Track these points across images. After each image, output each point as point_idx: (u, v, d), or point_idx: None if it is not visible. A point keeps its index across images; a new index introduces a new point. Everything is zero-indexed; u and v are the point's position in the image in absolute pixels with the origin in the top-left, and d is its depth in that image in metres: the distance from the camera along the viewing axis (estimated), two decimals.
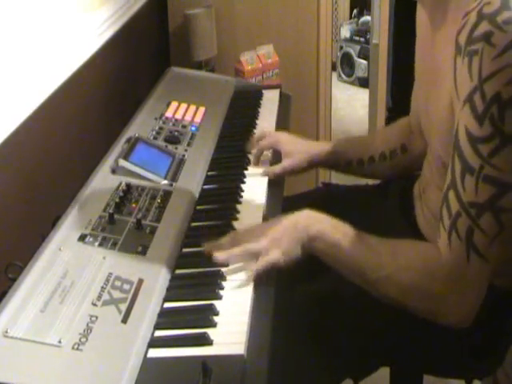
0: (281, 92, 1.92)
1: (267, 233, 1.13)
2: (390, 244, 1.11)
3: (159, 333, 0.98)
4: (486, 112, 0.95)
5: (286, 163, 1.48)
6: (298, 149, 1.49)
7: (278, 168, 1.47)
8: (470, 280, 1.03)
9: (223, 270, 1.10)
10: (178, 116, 1.63)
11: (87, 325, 0.93)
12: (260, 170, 1.47)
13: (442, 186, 1.07)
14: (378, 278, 1.08)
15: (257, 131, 1.67)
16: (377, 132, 1.83)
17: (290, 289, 1.24)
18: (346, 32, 4.43)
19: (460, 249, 1.01)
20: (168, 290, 1.08)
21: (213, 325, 0.98)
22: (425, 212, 1.28)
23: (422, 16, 1.26)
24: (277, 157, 1.51)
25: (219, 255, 1.12)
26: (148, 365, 0.92)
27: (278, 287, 1.11)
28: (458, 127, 1.00)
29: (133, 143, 1.39)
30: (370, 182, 1.60)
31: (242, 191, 1.37)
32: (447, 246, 1.02)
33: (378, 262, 1.08)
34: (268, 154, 1.53)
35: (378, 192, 1.55)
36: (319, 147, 1.52)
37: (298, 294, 1.25)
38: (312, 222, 1.13)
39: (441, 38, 1.13)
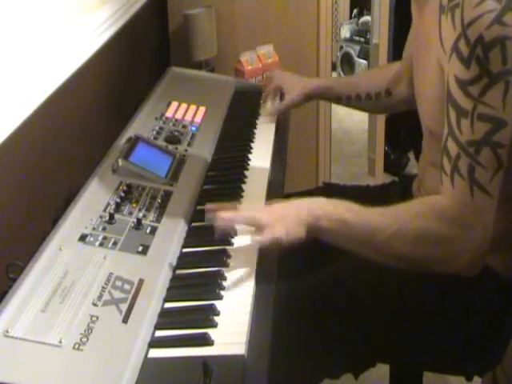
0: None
1: (271, 212, 1.14)
2: (392, 207, 1.14)
3: (160, 333, 0.98)
4: (471, 55, 1.01)
5: (286, 100, 1.72)
6: (296, 85, 1.72)
7: (280, 105, 1.73)
8: (476, 215, 1.06)
9: (224, 269, 1.11)
10: (179, 116, 1.63)
11: (88, 325, 0.93)
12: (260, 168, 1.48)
13: (434, 161, 1.12)
14: (386, 239, 1.10)
15: (257, 131, 1.67)
16: (365, 73, 2.02)
17: (291, 280, 1.24)
18: (346, 32, 4.43)
19: (463, 187, 1.05)
20: (168, 289, 1.08)
21: (213, 325, 0.98)
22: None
23: None
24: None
25: (224, 214, 1.12)
26: (148, 365, 0.92)
27: (278, 278, 1.11)
28: (448, 80, 1.06)
29: (133, 143, 1.39)
30: (371, 183, 1.62)
31: (242, 191, 1.37)
32: (450, 187, 1.06)
33: (383, 223, 1.11)
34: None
35: (378, 193, 1.57)
36: (314, 83, 1.74)
37: (299, 284, 1.25)
38: (314, 205, 1.15)
39: (426, 14, 1.20)
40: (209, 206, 1.19)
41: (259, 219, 1.13)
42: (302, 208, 1.13)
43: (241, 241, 1.18)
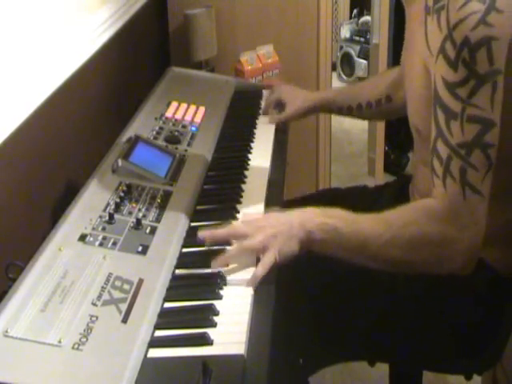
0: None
1: (263, 230, 1.13)
2: (385, 213, 1.14)
3: (159, 333, 0.98)
4: (458, 57, 1.01)
5: (287, 110, 1.73)
6: (297, 98, 1.73)
7: (281, 115, 1.73)
8: (469, 216, 1.06)
9: (223, 269, 1.11)
10: (178, 116, 1.63)
11: (87, 325, 0.93)
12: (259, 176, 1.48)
13: (424, 159, 1.12)
14: (380, 245, 1.10)
15: (257, 131, 1.67)
16: (365, 82, 2.01)
17: (290, 276, 1.25)
18: (346, 32, 4.43)
19: (455, 189, 1.05)
20: (168, 289, 1.08)
21: (213, 325, 0.98)
22: (417, 199, 1.30)
23: None
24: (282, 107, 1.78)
25: (218, 260, 1.12)
26: (148, 365, 0.92)
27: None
28: (436, 81, 1.06)
29: (133, 143, 1.39)
30: (371, 183, 1.62)
31: (242, 191, 1.37)
32: (442, 190, 1.07)
33: (377, 231, 1.11)
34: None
35: (375, 193, 1.58)
36: (315, 96, 1.76)
37: (297, 280, 1.26)
38: (306, 217, 1.14)
39: (412, 13, 1.22)
40: (201, 234, 1.16)
41: (252, 247, 1.12)
42: (293, 223, 1.13)
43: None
